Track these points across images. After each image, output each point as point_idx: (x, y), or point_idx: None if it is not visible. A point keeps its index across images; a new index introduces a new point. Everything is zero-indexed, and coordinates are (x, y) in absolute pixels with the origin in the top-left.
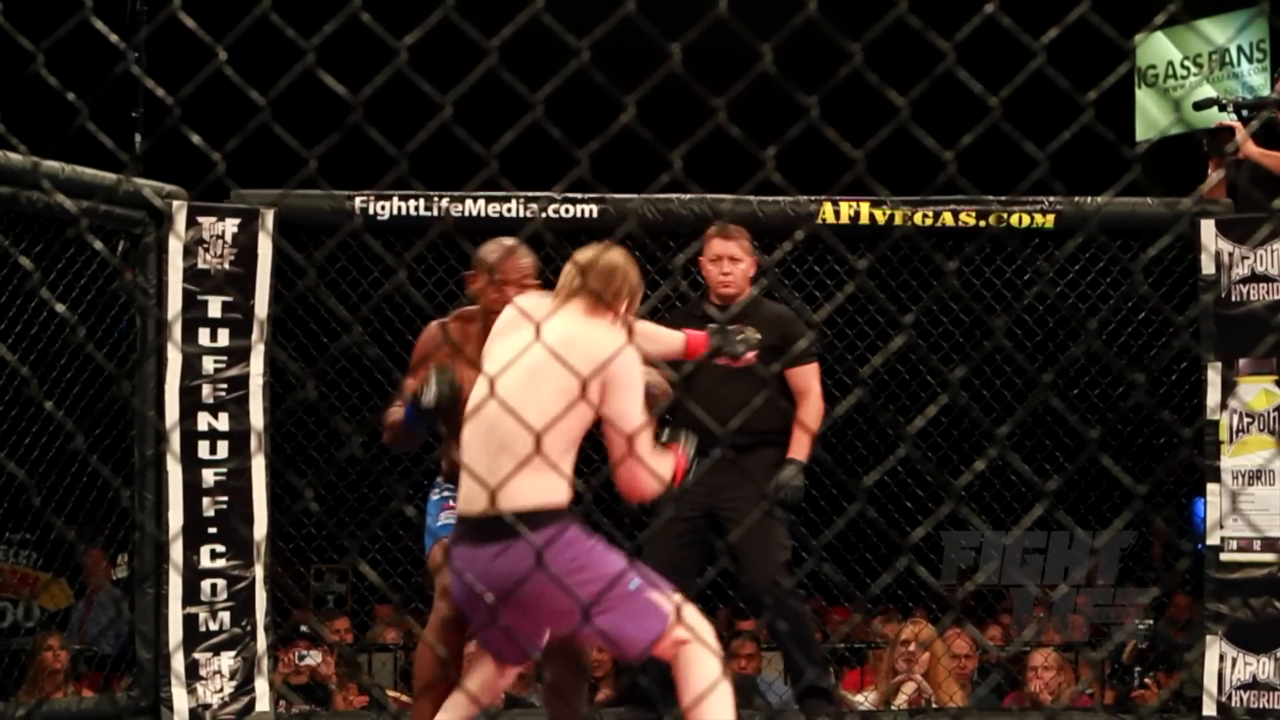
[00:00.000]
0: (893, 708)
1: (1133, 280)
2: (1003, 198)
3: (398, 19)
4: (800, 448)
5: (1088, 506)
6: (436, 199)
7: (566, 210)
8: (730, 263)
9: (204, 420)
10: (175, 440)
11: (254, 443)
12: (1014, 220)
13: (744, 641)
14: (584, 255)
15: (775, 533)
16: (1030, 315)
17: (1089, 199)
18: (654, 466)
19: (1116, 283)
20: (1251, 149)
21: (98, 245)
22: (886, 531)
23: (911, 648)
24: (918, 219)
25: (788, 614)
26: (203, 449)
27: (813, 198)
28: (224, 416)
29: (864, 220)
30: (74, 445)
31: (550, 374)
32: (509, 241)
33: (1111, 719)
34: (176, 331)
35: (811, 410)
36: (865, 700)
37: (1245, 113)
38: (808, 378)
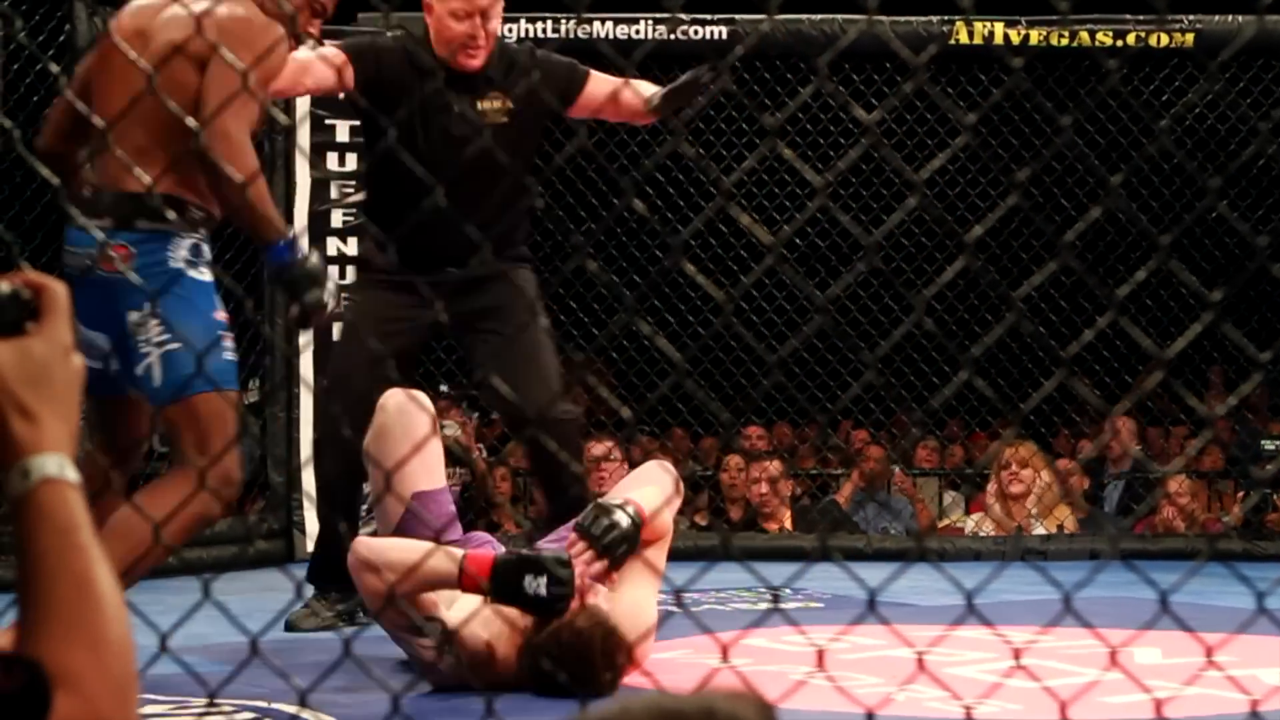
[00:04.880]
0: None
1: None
2: (1141, 16)
3: None
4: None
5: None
6: (564, 20)
7: (695, 32)
8: (483, 21)
9: (333, 245)
10: None
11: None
12: (1153, 40)
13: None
14: None
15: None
16: (1174, 134)
17: (1231, 17)
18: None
19: (1257, 103)
20: None
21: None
22: (1048, 345)
23: (1016, 470)
24: (1054, 39)
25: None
26: (332, 273)
27: (945, 17)
28: (352, 241)
29: (998, 40)
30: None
31: None
32: None
33: (1246, 545)
34: (306, 154)
35: (634, 90)
36: (976, 525)
37: None
38: (607, 82)
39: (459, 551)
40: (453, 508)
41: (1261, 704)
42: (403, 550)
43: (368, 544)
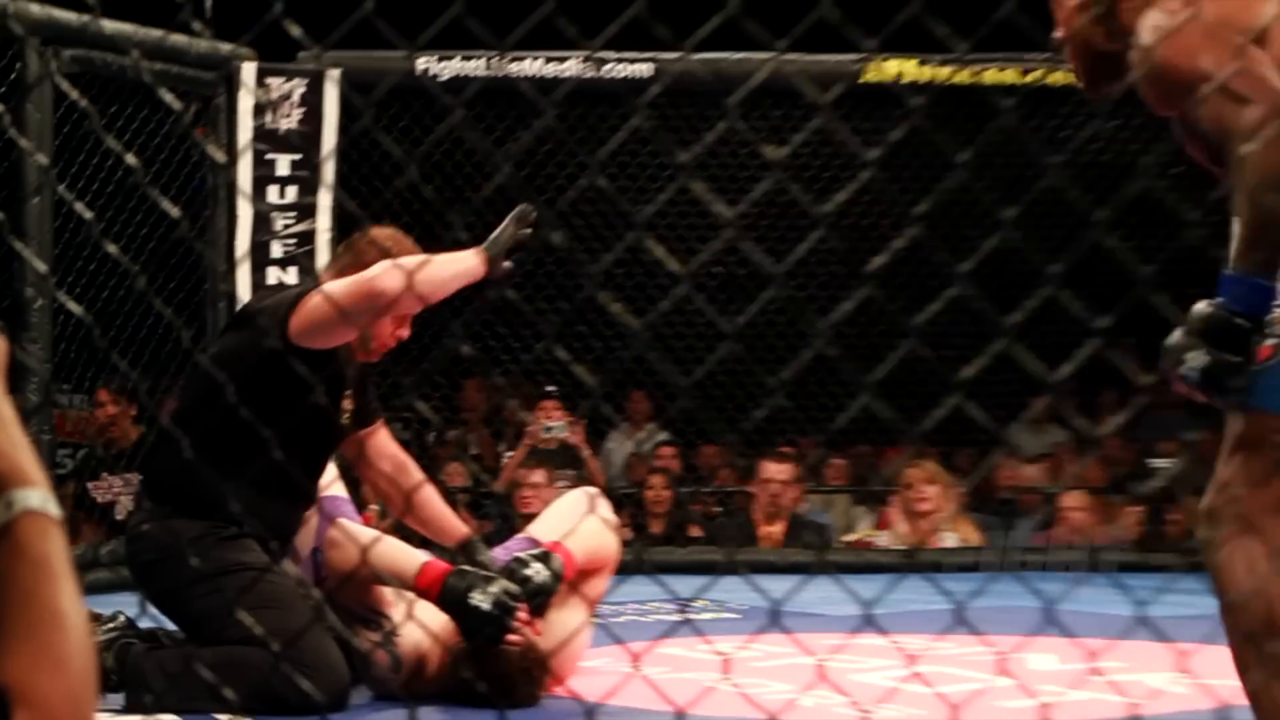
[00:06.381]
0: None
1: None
2: (1043, 55)
3: None
4: None
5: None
6: (496, 59)
7: (622, 69)
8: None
9: (274, 274)
10: (245, 294)
11: None
12: (1055, 77)
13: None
14: None
15: None
16: (1072, 167)
17: None
18: None
19: (1152, 139)
20: None
21: (167, 97)
22: (941, 371)
23: (921, 489)
24: (962, 77)
25: None
26: None
27: (859, 56)
28: (293, 270)
29: (909, 78)
30: (137, 286)
31: None
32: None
33: (1143, 556)
34: (247, 188)
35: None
36: (885, 539)
37: None
38: None
39: (424, 556)
40: (347, 507)
41: (1141, 707)
42: (373, 536)
43: (345, 525)
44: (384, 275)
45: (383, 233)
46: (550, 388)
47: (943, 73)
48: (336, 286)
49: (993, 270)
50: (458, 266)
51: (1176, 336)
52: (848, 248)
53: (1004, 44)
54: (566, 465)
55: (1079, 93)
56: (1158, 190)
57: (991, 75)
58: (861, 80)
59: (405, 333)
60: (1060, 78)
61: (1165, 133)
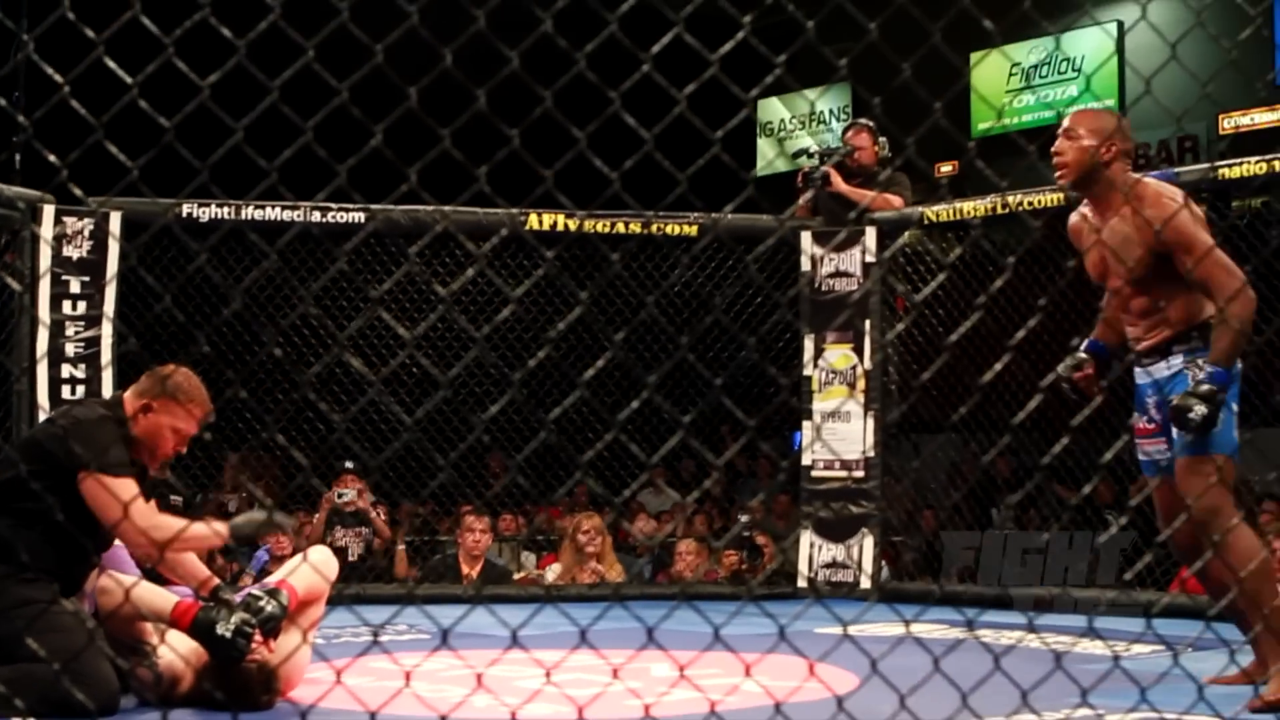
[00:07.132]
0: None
1: (748, 270)
2: (659, 212)
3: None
4: None
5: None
6: (241, 205)
7: (342, 216)
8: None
9: (66, 369)
10: (44, 385)
11: (104, 386)
12: (668, 229)
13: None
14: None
15: None
16: (677, 299)
17: (720, 215)
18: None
19: (740, 276)
20: (838, 183)
21: None
22: (571, 452)
23: (592, 534)
24: (600, 227)
25: None
26: (65, 391)
27: (523, 209)
28: (82, 366)
29: (560, 227)
30: None
31: None
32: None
33: (732, 589)
34: (45, 303)
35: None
36: (551, 575)
37: (824, 159)
38: None
39: (175, 597)
40: (124, 556)
41: (719, 704)
42: (133, 582)
43: (113, 574)
44: (140, 538)
45: (184, 380)
46: (348, 464)
47: (586, 224)
48: (124, 516)
49: (612, 378)
50: (201, 541)
51: (1183, 399)
52: (502, 360)
53: (619, 203)
54: (358, 524)
55: (679, 243)
56: (726, 322)
57: (620, 226)
58: (527, 227)
59: (183, 449)
60: (674, 229)
61: (734, 276)
